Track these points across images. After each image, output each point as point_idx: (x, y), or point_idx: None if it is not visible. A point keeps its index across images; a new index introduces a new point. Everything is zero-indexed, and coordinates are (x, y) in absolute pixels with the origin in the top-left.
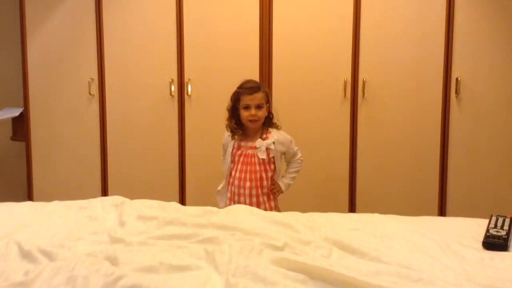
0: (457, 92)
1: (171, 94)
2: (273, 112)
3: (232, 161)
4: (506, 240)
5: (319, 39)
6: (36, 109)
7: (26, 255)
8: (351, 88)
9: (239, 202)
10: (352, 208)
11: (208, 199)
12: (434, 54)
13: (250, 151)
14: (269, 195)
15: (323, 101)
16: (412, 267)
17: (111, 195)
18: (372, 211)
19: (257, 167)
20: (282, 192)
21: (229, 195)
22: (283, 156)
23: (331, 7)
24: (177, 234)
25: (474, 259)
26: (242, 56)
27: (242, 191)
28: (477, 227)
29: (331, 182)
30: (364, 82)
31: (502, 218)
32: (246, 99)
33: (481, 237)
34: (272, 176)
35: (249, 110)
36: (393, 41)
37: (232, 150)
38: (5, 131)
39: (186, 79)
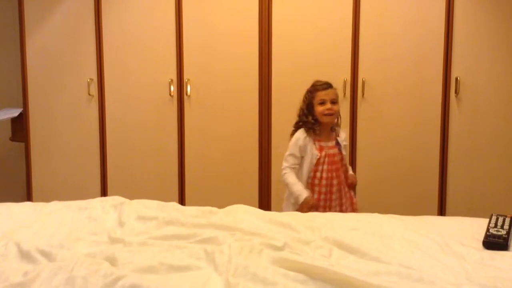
0: (456, 91)
1: (170, 94)
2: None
3: (317, 163)
4: (506, 239)
5: (319, 39)
6: (35, 110)
7: (25, 255)
8: (350, 88)
9: (329, 201)
10: None
11: (207, 199)
12: (434, 54)
13: (331, 151)
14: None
15: None
16: (412, 267)
17: (110, 196)
18: (372, 211)
19: (340, 165)
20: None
21: (316, 196)
22: None
23: (330, 7)
24: (176, 234)
25: (475, 258)
26: (242, 56)
27: (329, 189)
28: (477, 226)
29: None
30: (363, 82)
31: (502, 218)
32: (321, 94)
33: (481, 237)
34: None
35: (325, 105)
36: (393, 41)
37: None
38: (5, 132)
39: (185, 79)
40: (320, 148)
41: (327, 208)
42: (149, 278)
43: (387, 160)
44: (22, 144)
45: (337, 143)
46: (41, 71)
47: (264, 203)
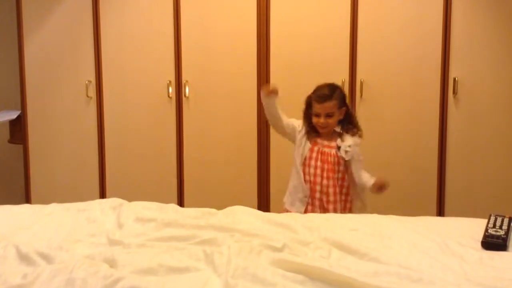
0: (454, 92)
1: (169, 96)
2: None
3: (309, 157)
4: (505, 239)
5: (317, 40)
6: (33, 112)
7: (24, 258)
8: (349, 89)
9: (312, 199)
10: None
11: (206, 201)
12: (432, 54)
13: (326, 149)
14: (347, 194)
15: None
16: (411, 267)
17: (109, 197)
18: (371, 211)
19: (335, 167)
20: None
21: (308, 192)
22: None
23: (329, 8)
24: (175, 235)
25: (473, 259)
26: (240, 57)
27: (318, 187)
28: (476, 227)
29: None
30: (362, 83)
31: (500, 218)
32: (316, 107)
33: (480, 237)
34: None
35: (319, 118)
36: (391, 41)
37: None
38: (3, 134)
39: (183, 81)
40: (314, 143)
41: (309, 205)
42: (148, 279)
43: (386, 161)
44: (21, 146)
45: (339, 147)
46: (39, 73)
47: (263, 204)
